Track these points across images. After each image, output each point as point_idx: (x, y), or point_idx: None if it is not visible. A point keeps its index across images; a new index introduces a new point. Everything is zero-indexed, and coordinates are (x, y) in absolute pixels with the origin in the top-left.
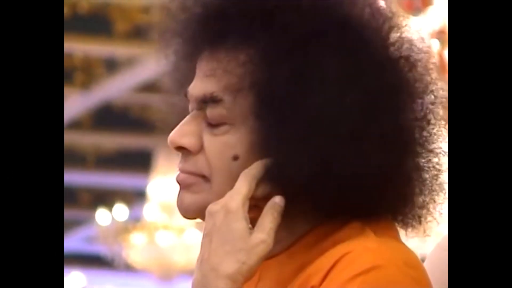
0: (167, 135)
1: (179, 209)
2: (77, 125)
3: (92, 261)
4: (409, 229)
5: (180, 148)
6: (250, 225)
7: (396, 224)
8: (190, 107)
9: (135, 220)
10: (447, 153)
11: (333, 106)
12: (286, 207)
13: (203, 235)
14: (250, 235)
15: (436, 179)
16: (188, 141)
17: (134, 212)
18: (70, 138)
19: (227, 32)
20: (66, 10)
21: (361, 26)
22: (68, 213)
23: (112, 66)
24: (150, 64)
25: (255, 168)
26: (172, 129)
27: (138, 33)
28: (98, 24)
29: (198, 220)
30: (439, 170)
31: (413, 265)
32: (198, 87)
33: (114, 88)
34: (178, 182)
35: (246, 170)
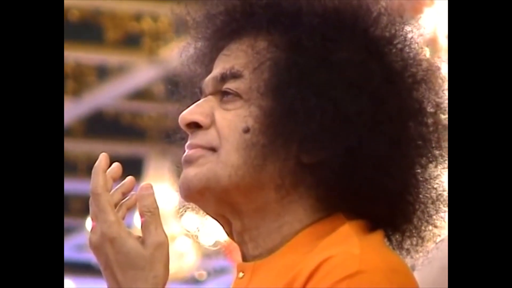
0: (158, 143)
1: (181, 187)
2: (68, 132)
3: (82, 269)
4: (407, 243)
5: (190, 125)
6: (136, 236)
7: (394, 238)
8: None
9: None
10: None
11: (348, 91)
12: (277, 206)
13: (102, 269)
14: (144, 247)
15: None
16: (199, 116)
17: (124, 219)
18: None
19: (249, 23)
20: None
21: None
22: None
23: (103, 73)
24: (141, 71)
25: (105, 195)
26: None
27: (129, 41)
28: (89, 32)
29: (189, 227)
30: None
31: (399, 270)
32: (217, 68)
33: (106, 96)
34: (185, 160)
35: (102, 198)
